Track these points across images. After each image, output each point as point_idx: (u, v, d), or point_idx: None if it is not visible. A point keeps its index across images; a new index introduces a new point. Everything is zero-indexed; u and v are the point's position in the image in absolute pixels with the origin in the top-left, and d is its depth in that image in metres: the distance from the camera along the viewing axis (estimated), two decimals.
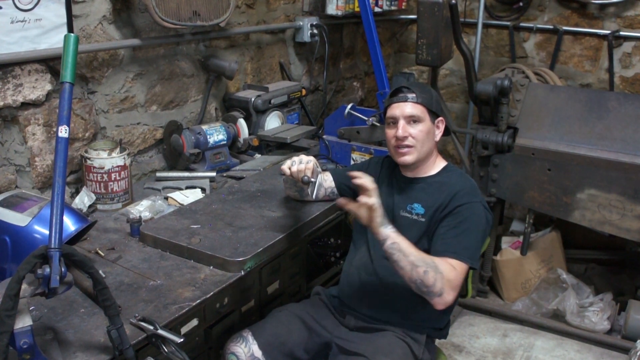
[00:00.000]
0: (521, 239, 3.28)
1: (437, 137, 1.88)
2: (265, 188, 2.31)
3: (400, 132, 1.79)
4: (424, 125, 1.81)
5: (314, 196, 2.01)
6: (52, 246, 1.23)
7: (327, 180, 2.11)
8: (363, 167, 2.07)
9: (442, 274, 1.61)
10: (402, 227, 1.82)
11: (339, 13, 3.41)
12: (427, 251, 1.77)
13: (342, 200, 1.73)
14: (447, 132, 1.98)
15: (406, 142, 1.80)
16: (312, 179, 1.85)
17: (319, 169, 2.03)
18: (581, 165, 2.78)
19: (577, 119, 2.90)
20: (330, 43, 3.50)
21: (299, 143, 2.93)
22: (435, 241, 1.75)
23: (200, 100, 2.82)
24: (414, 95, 1.80)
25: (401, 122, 1.80)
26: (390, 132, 1.84)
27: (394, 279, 1.76)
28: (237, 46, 3.01)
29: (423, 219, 1.81)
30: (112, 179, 2.15)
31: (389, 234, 1.63)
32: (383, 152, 2.40)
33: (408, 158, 1.82)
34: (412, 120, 1.80)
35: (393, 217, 1.85)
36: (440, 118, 1.87)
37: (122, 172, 2.18)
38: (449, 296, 1.63)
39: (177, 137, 2.54)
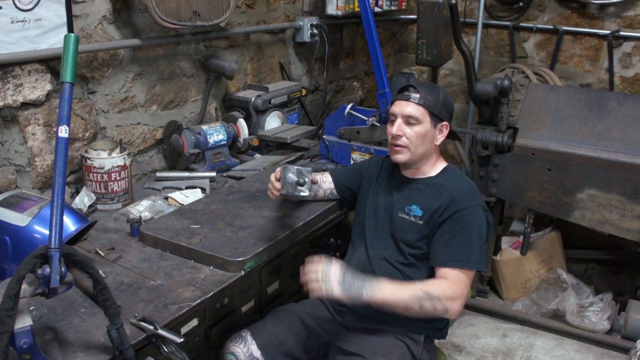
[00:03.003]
0: (521, 239, 3.28)
1: (439, 141, 1.87)
2: (265, 188, 2.28)
3: (394, 130, 1.82)
4: (422, 127, 1.80)
5: (311, 194, 1.91)
6: (52, 246, 1.23)
7: (326, 182, 2.11)
8: (363, 167, 2.07)
9: (439, 297, 1.64)
10: (400, 228, 1.83)
11: (339, 13, 3.41)
12: (427, 254, 1.78)
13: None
14: (454, 136, 1.99)
15: (399, 142, 1.82)
16: (304, 179, 1.83)
17: (307, 170, 1.93)
18: (581, 165, 2.78)
19: (577, 119, 2.90)
20: (330, 43, 3.50)
21: (299, 143, 2.92)
22: (438, 249, 1.75)
23: (200, 100, 2.82)
24: (418, 96, 1.80)
25: (398, 121, 1.82)
26: (389, 129, 1.86)
27: (392, 279, 1.76)
28: (237, 46, 3.01)
29: (421, 222, 1.80)
30: (112, 179, 2.15)
31: (365, 298, 1.62)
32: (383, 152, 2.40)
33: (399, 157, 1.84)
34: (410, 120, 1.80)
35: (391, 218, 1.86)
36: (445, 123, 1.85)
37: (122, 172, 2.18)
38: (455, 306, 1.67)
39: (177, 137, 2.54)
